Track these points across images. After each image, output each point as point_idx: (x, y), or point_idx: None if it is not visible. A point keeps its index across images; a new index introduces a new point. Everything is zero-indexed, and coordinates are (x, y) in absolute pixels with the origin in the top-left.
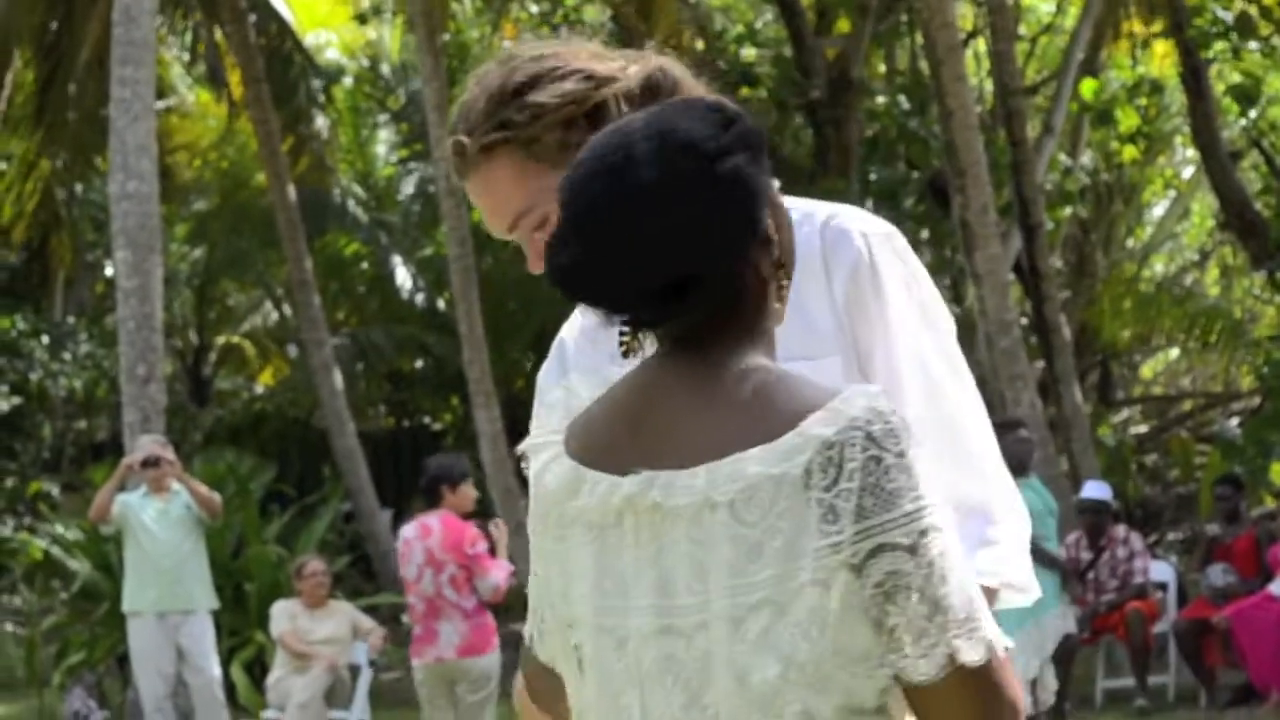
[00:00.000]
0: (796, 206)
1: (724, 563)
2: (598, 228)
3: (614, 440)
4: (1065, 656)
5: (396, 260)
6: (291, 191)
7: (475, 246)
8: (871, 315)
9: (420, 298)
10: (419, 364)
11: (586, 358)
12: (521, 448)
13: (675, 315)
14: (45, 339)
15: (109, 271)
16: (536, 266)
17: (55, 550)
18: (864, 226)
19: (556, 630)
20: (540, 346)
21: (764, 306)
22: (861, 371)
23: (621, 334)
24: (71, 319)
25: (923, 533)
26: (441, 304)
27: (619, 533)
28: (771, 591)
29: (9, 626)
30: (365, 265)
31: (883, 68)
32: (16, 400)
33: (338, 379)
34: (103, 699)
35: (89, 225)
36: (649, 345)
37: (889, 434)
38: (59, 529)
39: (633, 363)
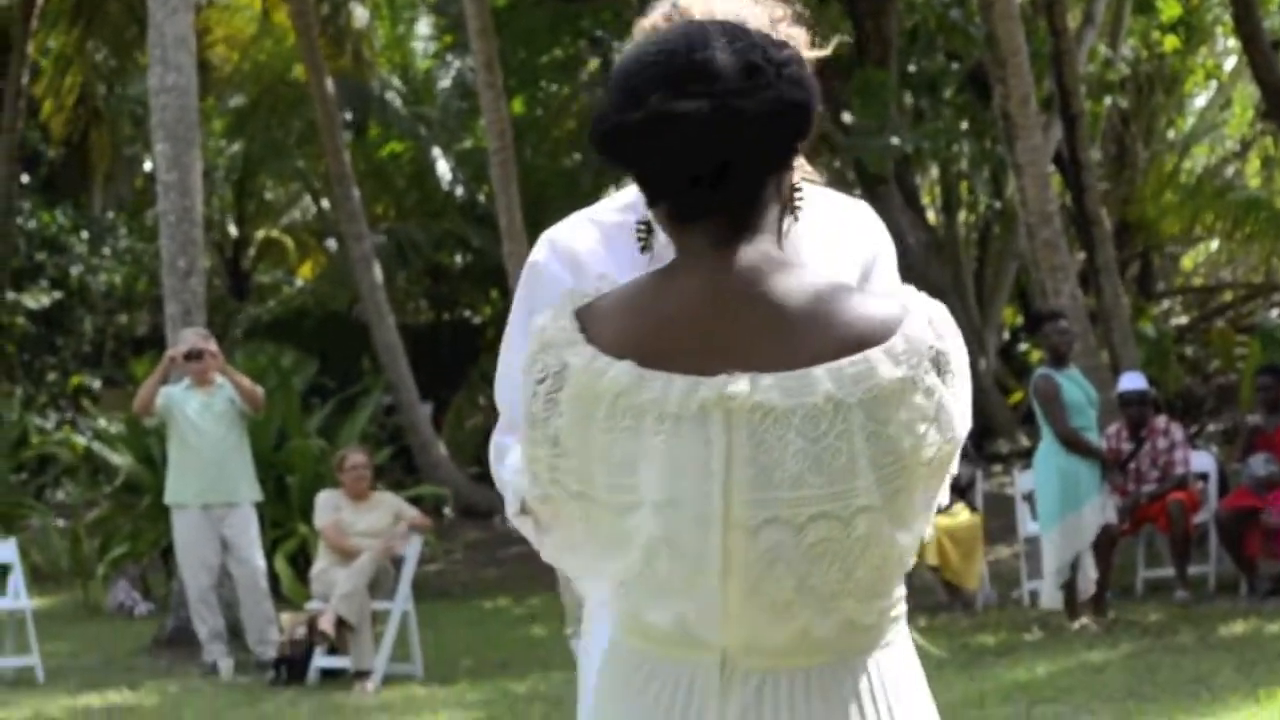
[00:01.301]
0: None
1: (865, 458)
2: (666, 103)
3: (682, 342)
4: (1106, 547)
5: (436, 153)
6: (330, 85)
7: (514, 139)
8: None
9: (460, 191)
10: (459, 258)
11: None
12: (542, 344)
13: (715, 206)
14: (85, 234)
15: (148, 166)
16: None
17: (97, 444)
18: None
19: (568, 500)
20: None
21: (782, 224)
22: None
23: (640, 229)
24: (111, 214)
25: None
26: (481, 197)
27: (702, 429)
28: (905, 480)
29: (53, 520)
30: (404, 159)
31: None
32: (57, 295)
33: (377, 273)
34: (147, 591)
35: (128, 120)
36: (666, 249)
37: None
38: (101, 423)
39: None
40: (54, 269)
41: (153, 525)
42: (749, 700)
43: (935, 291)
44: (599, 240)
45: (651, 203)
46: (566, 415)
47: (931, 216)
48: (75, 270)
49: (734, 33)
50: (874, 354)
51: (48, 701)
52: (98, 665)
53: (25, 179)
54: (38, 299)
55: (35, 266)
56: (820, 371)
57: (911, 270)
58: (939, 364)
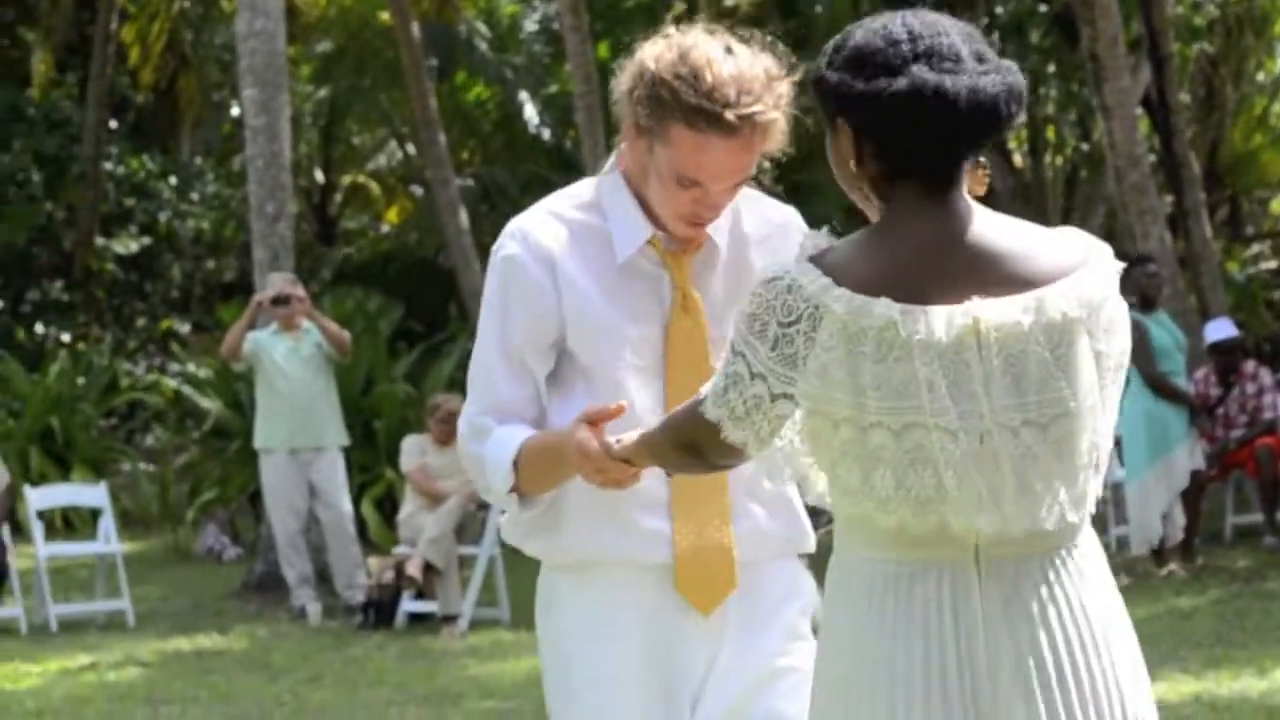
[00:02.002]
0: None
1: (1085, 365)
2: (927, 75)
3: (926, 277)
4: (1194, 493)
5: (523, 97)
6: (415, 29)
7: (600, 83)
8: None
9: (546, 134)
10: None
11: (597, 311)
12: (787, 290)
13: (946, 166)
14: (173, 180)
15: (235, 112)
16: (708, 218)
17: (186, 389)
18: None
19: (832, 425)
20: None
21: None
22: None
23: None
24: (198, 160)
25: None
26: (568, 142)
27: (960, 351)
28: (1109, 380)
29: (143, 465)
30: (490, 103)
31: None
32: (146, 241)
33: (464, 218)
34: (235, 535)
35: (215, 66)
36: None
37: None
38: (190, 368)
39: (649, 324)
40: (143, 215)
41: (241, 470)
42: (1007, 586)
43: None
44: (567, 238)
45: (888, 163)
46: (835, 350)
47: (1018, 160)
48: (163, 216)
49: (953, 24)
50: (1083, 274)
51: (138, 645)
52: (187, 609)
53: (114, 125)
54: (126, 245)
55: (124, 212)
56: (1047, 292)
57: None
58: (1114, 282)
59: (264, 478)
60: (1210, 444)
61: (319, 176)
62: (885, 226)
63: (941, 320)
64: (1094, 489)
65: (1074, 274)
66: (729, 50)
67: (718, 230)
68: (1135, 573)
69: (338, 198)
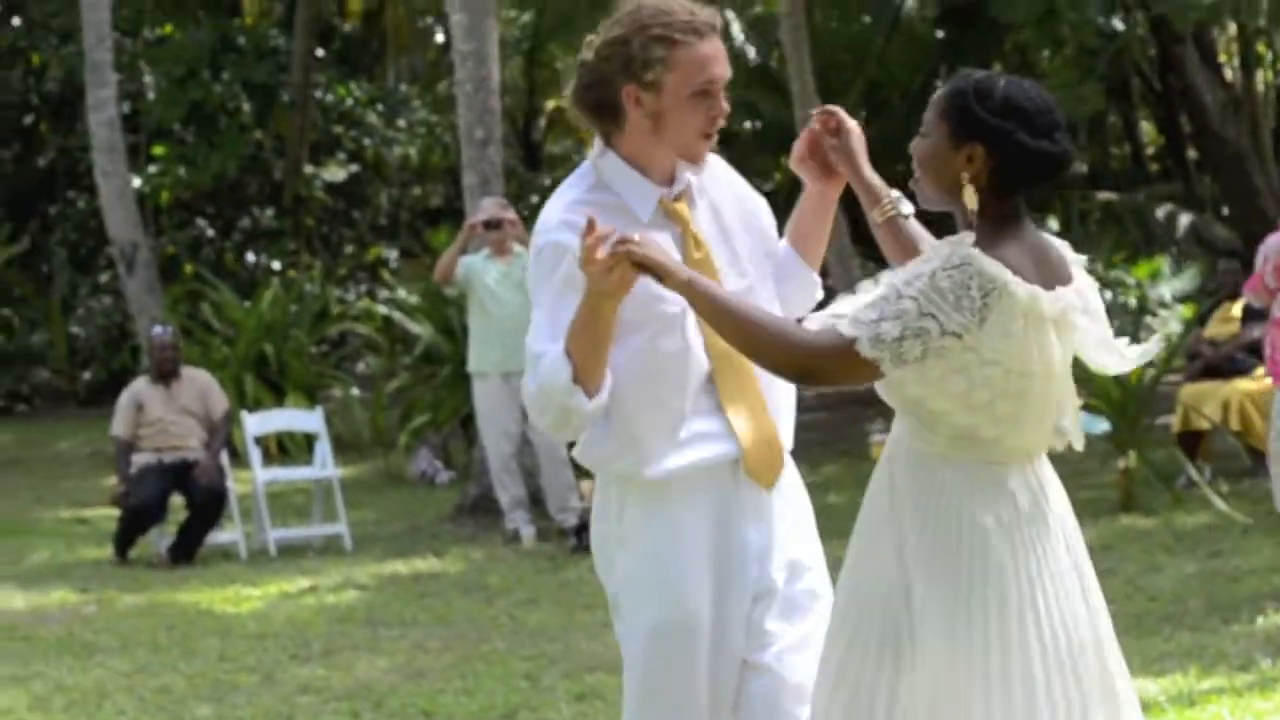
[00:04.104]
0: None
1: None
2: (1064, 144)
3: (1040, 265)
4: None
5: (729, 16)
6: None
7: (805, 4)
8: None
9: (752, 55)
10: (749, 124)
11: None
12: (976, 274)
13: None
14: (380, 107)
15: (440, 38)
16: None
17: (396, 315)
18: None
19: (991, 371)
20: (870, 103)
21: None
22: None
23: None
24: (405, 87)
25: None
26: (773, 63)
27: (1066, 323)
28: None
29: (354, 391)
30: None
31: None
32: (354, 168)
33: None
34: (448, 459)
35: None
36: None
37: None
38: (400, 294)
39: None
40: (350, 142)
41: (453, 394)
42: (1046, 470)
43: (1233, 151)
44: (598, 216)
45: (1009, 186)
46: (1018, 323)
47: (1229, 75)
48: (371, 143)
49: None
50: (1079, 270)
51: (356, 568)
52: (403, 533)
53: (321, 53)
54: (335, 172)
55: (332, 140)
56: (1092, 281)
57: (1208, 130)
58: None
59: (476, 402)
60: None
61: (523, 102)
62: (1020, 233)
63: (1057, 301)
64: None
65: (1077, 270)
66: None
67: (693, 186)
68: None
69: (542, 123)
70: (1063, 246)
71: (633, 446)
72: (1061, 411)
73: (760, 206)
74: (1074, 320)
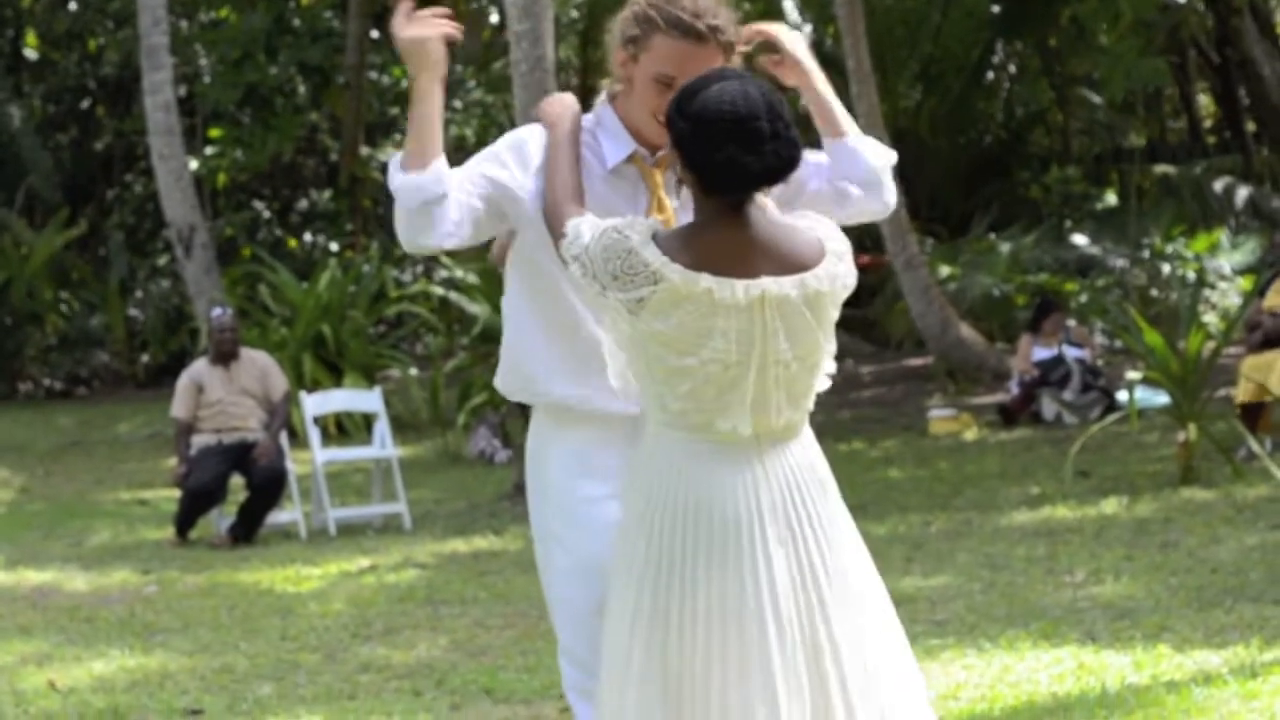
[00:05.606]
0: None
1: (829, 326)
2: (785, 141)
3: (737, 259)
4: None
5: None
6: None
7: None
8: None
9: (807, 31)
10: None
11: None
12: (635, 251)
13: (745, 193)
14: None
15: (494, 19)
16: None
17: (454, 295)
18: None
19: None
20: (927, 77)
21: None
22: None
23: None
24: (459, 67)
25: None
26: (829, 39)
27: (755, 313)
28: (831, 335)
29: (412, 371)
30: (749, 5)
31: None
32: None
33: None
34: (506, 438)
35: None
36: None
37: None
38: (457, 273)
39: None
40: (405, 123)
41: None
42: (776, 455)
43: None
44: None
45: (706, 191)
46: (673, 310)
47: None
48: None
49: (771, 108)
50: (829, 262)
51: (416, 547)
52: (462, 511)
53: (375, 34)
54: (390, 153)
55: (388, 121)
56: (809, 276)
57: (1266, 102)
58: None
59: None
60: None
61: (577, 81)
62: (704, 224)
63: (742, 290)
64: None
65: (824, 261)
66: None
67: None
68: None
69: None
70: (827, 237)
71: (539, 381)
72: (790, 398)
73: None
74: (777, 308)
